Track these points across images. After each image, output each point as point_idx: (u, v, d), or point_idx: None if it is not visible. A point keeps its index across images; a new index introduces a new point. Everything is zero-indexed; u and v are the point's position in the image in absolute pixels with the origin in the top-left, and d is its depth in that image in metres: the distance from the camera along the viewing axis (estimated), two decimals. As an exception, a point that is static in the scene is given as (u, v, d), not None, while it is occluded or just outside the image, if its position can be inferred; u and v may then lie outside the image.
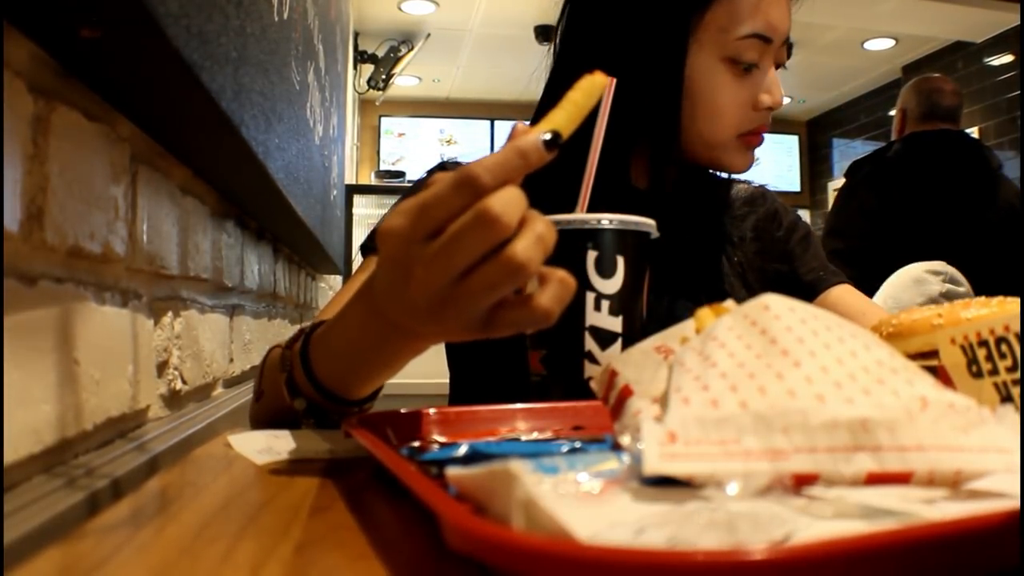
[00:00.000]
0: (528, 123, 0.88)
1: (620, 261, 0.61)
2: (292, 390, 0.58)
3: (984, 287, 0.63)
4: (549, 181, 0.81)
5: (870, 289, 0.95)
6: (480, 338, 0.43)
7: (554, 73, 0.88)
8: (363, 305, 0.50)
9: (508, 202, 0.38)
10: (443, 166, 0.92)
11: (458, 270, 0.39)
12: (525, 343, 0.65)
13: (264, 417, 0.64)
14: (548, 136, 0.40)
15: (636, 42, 0.81)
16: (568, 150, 0.85)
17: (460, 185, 0.39)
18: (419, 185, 0.89)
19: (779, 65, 0.84)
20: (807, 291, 0.92)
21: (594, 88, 0.46)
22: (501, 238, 0.38)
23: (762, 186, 1.02)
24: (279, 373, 0.59)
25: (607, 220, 0.61)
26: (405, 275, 0.41)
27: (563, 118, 0.43)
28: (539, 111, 0.89)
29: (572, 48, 0.86)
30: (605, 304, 0.61)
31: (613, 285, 0.61)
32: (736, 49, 0.79)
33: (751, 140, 0.83)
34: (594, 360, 0.61)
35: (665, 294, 0.84)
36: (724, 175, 0.98)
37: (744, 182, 1.00)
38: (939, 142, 2.23)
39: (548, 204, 0.82)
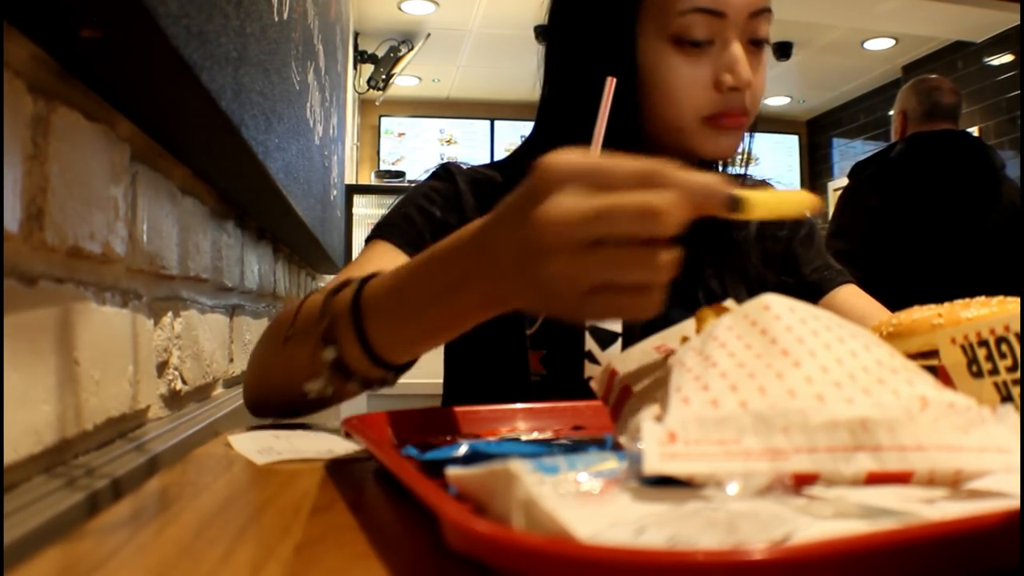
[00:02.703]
0: (533, 123, 0.89)
1: (620, 261, 0.61)
2: (327, 338, 0.54)
3: (987, 288, 0.62)
4: None
5: (874, 290, 0.94)
6: (555, 314, 0.41)
7: (544, 70, 0.87)
8: (447, 253, 0.47)
9: (678, 208, 0.37)
10: (446, 167, 0.92)
11: (599, 233, 0.38)
12: (525, 343, 0.66)
13: (275, 365, 0.60)
14: (735, 197, 0.39)
15: (589, 30, 0.79)
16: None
17: (650, 173, 0.38)
18: (424, 185, 0.89)
19: (755, 41, 0.78)
20: (812, 291, 0.91)
21: (801, 203, 0.43)
22: (657, 233, 0.38)
23: (763, 181, 0.99)
24: (317, 321, 0.55)
25: None
26: (541, 206, 0.39)
27: (759, 198, 0.40)
28: (541, 109, 0.88)
29: (549, 43, 0.85)
30: (605, 304, 0.61)
31: (613, 285, 0.61)
32: (680, 26, 0.74)
33: (720, 122, 0.77)
34: (594, 360, 0.61)
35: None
36: (721, 170, 0.96)
37: (744, 176, 0.99)
38: (942, 142, 2.23)
39: None
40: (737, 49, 0.75)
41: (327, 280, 2.92)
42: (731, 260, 0.90)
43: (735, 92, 0.76)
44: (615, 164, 0.39)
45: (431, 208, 0.82)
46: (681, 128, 0.78)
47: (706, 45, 0.75)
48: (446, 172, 0.89)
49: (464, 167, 0.91)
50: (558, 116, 0.83)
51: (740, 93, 0.76)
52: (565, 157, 0.39)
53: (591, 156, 0.39)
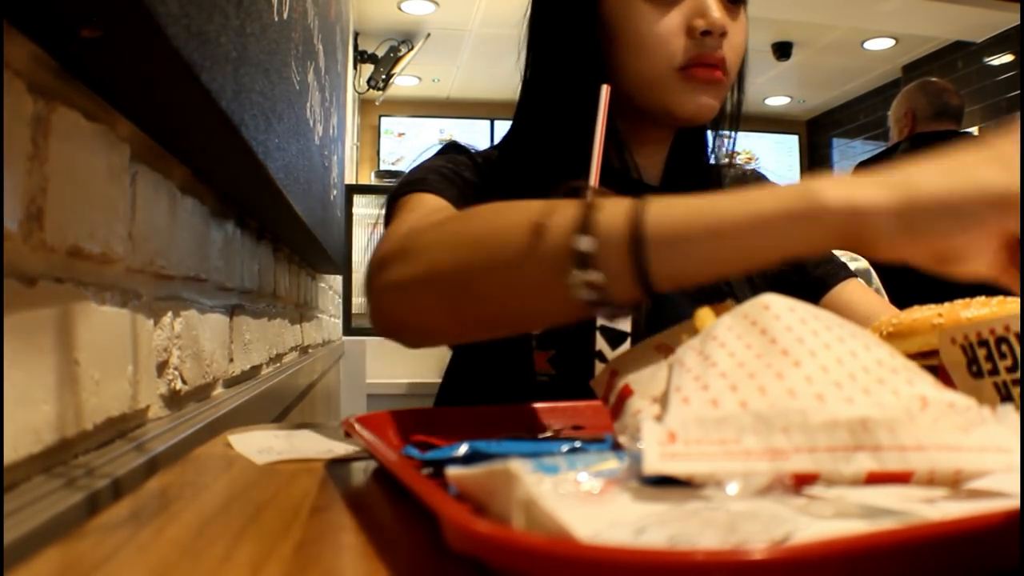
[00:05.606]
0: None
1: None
2: (584, 263, 0.44)
3: (990, 288, 0.63)
4: (551, 183, 0.81)
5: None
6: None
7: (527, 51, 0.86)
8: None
9: None
10: (454, 143, 0.88)
11: None
12: (530, 343, 0.65)
13: (488, 290, 0.50)
14: None
15: None
16: (570, 153, 0.85)
17: None
18: (440, 156, 0.84)
19: None
20: (817, 286, 0.90)
21: None
22: None
23: (754, 169, 0.98)
24: (558, 246, 0.45)
25: None
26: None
27: None
28: (523, 90, 0.85)
29: (529, 24, 0.84)
30: (612, 304, 0.61)
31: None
32: None
33: (694, 73, 0.74)
34: (604, 360, 0.61)
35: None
36: (712, 162, 0.96)
37: (736, 166, 0.98)
38: (945, 142, 2.25)
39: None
40: None
41: (327, 280, 2.85)
42: None
43: (709, 38, 0.72)
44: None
45: (458, 169, 0.79)
46: (654, 82, 0.75)
47: None
48: (456, 146, 0.86)
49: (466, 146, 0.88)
50: (538, 90, 0.82)
51: (714, 39, 0.73)
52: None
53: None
